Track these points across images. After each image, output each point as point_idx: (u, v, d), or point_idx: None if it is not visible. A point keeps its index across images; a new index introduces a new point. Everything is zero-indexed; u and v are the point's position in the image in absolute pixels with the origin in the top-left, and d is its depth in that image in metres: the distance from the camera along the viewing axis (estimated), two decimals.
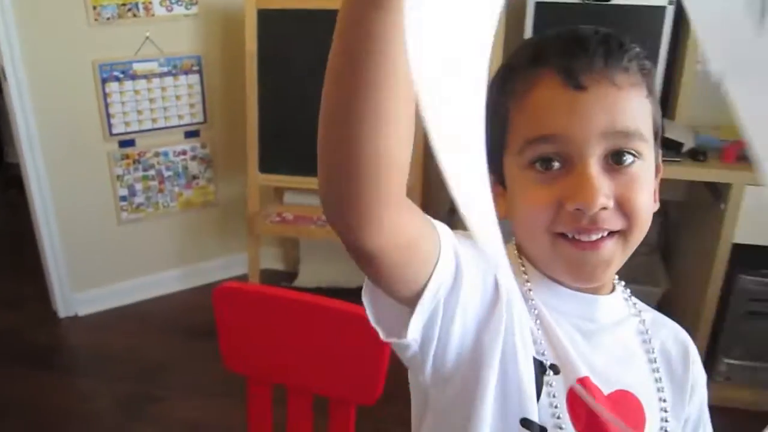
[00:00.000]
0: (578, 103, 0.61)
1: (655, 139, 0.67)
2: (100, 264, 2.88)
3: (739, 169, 2.03)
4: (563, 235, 0.64)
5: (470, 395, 0.64)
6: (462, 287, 0.59)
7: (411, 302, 0.56)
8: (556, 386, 0.65)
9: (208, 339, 1.28)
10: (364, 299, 0.60)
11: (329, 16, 2.51)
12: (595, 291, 0.70)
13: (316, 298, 1.29)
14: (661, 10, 2.23)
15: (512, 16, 2.28)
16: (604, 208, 0.61)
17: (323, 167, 0.48)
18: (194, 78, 2.80)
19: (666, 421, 0.72)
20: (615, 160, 0.62)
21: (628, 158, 0.62)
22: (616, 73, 0.61)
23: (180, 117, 2.82)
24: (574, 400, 0.66)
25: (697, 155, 2.09)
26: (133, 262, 2.94)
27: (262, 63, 2.54)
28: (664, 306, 2.58)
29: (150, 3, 2.62)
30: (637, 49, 0.64)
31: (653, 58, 2.30)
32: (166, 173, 2.87)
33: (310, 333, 1.28)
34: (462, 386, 0.64)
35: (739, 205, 2.03)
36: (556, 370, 0.66)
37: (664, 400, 0.73)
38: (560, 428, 0.65)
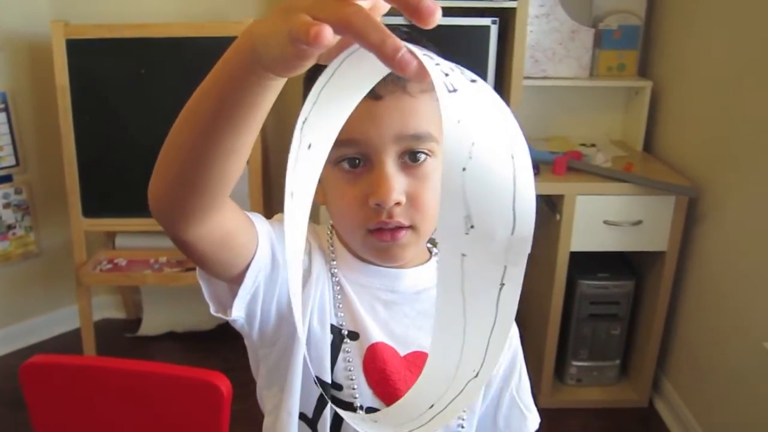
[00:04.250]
0: (375, 111, 0.67)
1: None
2: None
3: (570, 180, 2.12)
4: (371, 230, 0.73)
5: (288, 352, 0.76)
6: (279, 271, 0.70)
7: (236, 283, 0.67)
8: (353, 351, 0.77)
9: None
10: (199, 277, 0.69)
11: (143, 44, 2.33)
12: (400, 266, 0.78)
13: (142, 364, 1.17)
14: (485, 29, 2.28)
15: None
16: (398, 204, 0.69)
17: (162, 177, 0.55)
18: (0, 117, 2.51)
19: None
20: (411, 158, 0.70)
21: (422, 156, 0.71)
22: (407, 81, 0.67)
23: None
24: (369, 362, 0.77)
25: None
26: None
27: (77, 97, 2.32)
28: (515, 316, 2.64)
29: None
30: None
31: (482, 74, 2.34)
32: None
33: (139, 403, 1.16)
34: (283, 346, 0.76)
35: (572, 215, 2.11)
36: (353, 336, 0.77)
37: None
38: (353, 388, 0.77)
